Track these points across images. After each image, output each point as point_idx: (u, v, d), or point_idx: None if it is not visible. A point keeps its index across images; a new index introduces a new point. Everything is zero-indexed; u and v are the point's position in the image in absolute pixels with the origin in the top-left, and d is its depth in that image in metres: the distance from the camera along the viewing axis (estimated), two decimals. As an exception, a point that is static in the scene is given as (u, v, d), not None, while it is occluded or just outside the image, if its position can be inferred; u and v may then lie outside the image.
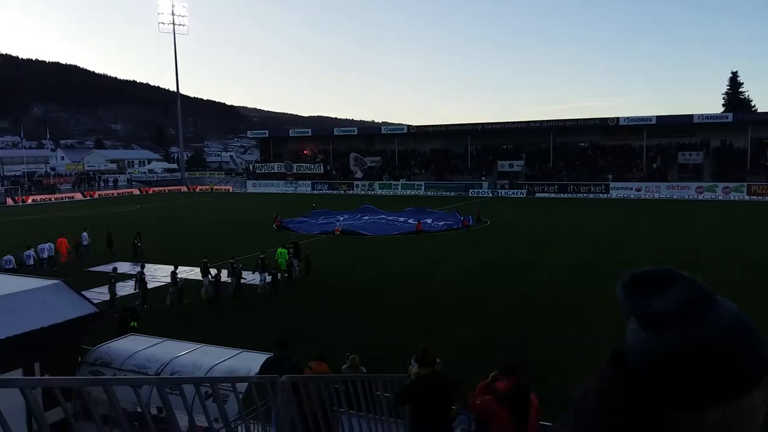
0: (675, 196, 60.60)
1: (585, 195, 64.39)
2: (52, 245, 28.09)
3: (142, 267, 21.83)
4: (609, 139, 72.47)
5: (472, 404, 4.86)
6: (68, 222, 43.20)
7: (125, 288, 21.85)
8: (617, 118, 69.33)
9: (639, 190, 63.16)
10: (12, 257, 25.14)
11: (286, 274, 23.80)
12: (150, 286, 21.62)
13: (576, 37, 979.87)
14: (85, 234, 30.18)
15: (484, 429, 4.89)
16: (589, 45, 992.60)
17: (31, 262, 26.22)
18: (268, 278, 22.47)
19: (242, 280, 21.93)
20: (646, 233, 34.93)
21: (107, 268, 25.52)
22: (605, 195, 63.76)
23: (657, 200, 59.10)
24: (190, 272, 23.81)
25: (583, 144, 74.56)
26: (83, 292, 20.35)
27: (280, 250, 24.29)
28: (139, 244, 29.75)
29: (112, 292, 19.74)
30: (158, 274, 25.16)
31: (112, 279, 20.33)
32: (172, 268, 21.74)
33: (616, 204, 55.58)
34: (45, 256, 27.31)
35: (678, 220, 41.47)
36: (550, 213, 48.03)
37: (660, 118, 67.61)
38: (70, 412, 3.03)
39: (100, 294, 20.93)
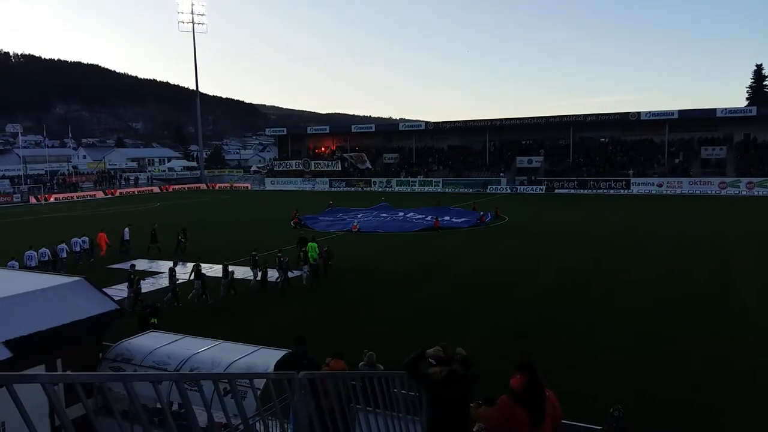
0: (697, 192, 59.77)
1: (605, 191, 63.77)
2: (87, 239, 29.11)
3: (198, 260, 22.05)
4: (630, 134, 71.71)
5: (487, 415, 4.80)
6: (92, 220, 43.83)
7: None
8: (638, 113, 68.54)
9: (660, 185, 62.40)
10: (47, 250, 26.35)
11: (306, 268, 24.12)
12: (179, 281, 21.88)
13: (595, 31, 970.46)
14: (126, 229, 30.92)
15: None
16: (609, 38, 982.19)
17: (64, 255, 27.19)
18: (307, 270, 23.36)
19: (289, 274, 22.65)
20: (666, 230, 34.49)
21: (129, 264, 25.79)
22: (626, 191, 63.09)
23: (679, 196, 58.35)
24: (211, 268, 24.01)
25: (603, 139, 73.82)
26: (117, 286, 21.05)
27: (310, 244, 24.79)
28: (182, 239, 30.04)
29: (173, 285, 20.53)
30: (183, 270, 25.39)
31: (172, 272, 20.98)
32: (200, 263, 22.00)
33: (637, 200, 55.00)
34: (78, 249, 28.32)
35: (700, 216, 40.93)
36: (569, 209, 47.67)
37: (682, 113, 66.70)
38: (90, 408, 3.08)
39: (120, 291, 21.19)
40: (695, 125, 67.48)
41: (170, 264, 22.37)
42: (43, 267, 25.33)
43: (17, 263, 23.77)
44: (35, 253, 25.50)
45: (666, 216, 41.39)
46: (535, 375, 4.60)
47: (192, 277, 21.17)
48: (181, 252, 28.82)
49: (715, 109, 65.27)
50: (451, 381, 4.82)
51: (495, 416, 4.68)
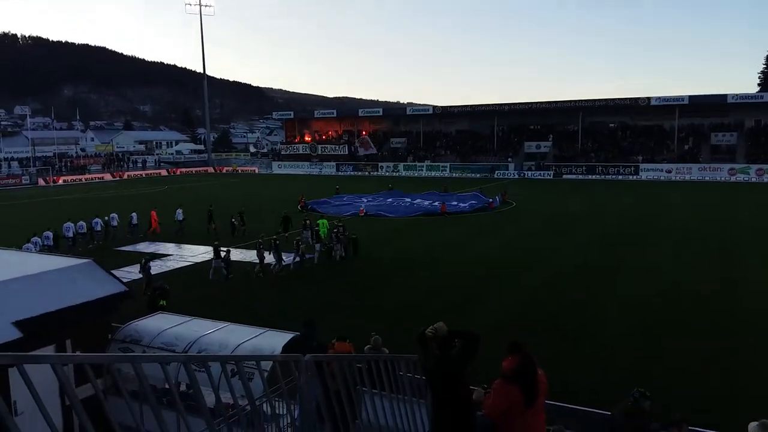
0: (707, 178, 59.34)
1: (614, 177, 63.41)
2: (135, 215, 31.16)
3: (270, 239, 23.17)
4: (640, 119, 71.12)
5: (485, 405, 4.84)
6: (105, 202, 44.02)
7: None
8: (648, 98, 67.92)
9: (670, 171, 61.97)
10: (84, 223, 28.60)
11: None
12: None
13: (605, 14, 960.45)
14: (179, 210, 31.52)
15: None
16: (620, 22, 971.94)
17: (99, 228, 29.31)
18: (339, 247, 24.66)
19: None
20: (674, 217, 34.31)
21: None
22: (635, 177, 62.71)
23: (688, 182, 57.97)
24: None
25: (612, 124, 73.26)
26: (126, 268, 21.33)
27: (320, 221, 26.57)
28: (234, 221, 30.33)
29: (279, 257, 22.15)
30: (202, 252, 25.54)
31: (260, 244, 22.40)
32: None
33: (646, 186, 54.67)
34: (114, 224, 30.31)
35: (709, 203, 40.68)
36: (576, 195, 47.49)
37: (693, 98, 66.07)
38: (99, 388, 3.11)
39: (128, 272, 21.34)
40: (706, 111, 66.82)
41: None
42: (80, 238, 27.88)
43: (51, 234, 25.96)
44: (72, 225, 27.80)
45: (675, 203, 41.16)
46: (526, 354, 4.66)
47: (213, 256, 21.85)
48: (237, 235, 29.14)
49: (726, 95, 64.61)
50: (438, 361, 4.84)
51: (491, 401, 4.74)
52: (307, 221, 27.56)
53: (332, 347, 8.93)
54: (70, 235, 27.39)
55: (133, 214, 31.11)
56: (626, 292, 18.83)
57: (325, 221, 26.89)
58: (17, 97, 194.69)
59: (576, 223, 32.49)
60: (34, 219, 34.06)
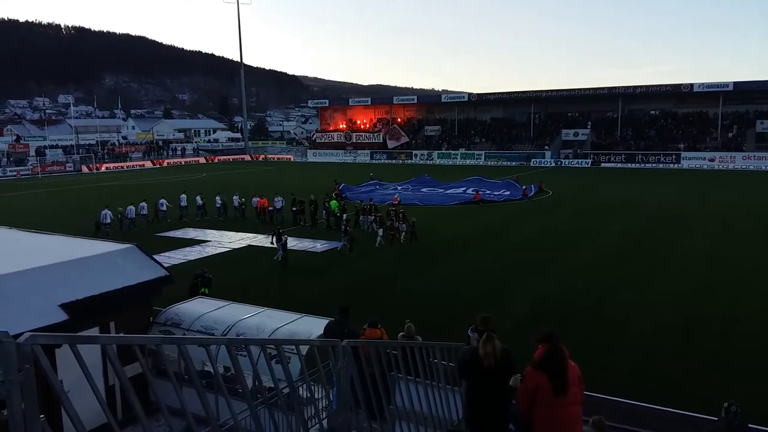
0: (751, 167, 57.53)
1: (654, 165, 61.96)
2: (241, 198, 33.35)
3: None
4: (682, 106, 69.27)
5: (519, 403, 4.86)
6: (144, 188, 44.99)
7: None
8: (691, 84, 66.02)
9: (712, 160, 60.26)
10: (165, 201, 32.27)
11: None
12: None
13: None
14: (277, 198, 32.13)
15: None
16: (661, 5, 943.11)
17: (164, 208, 32.09)
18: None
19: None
20: (715, 207, 33.39)
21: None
22: (676, 165, 61.18)
23: (731, 171, 56.31)
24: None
25: (653, 111, 71.47)
26: (167, 253, 21.80)
27: (332, 202, 29.69)
28: (294, 208, 31.04)
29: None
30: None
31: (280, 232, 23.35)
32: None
33: (687, 175, 53.29)
34: (184, 204, 32.97)
35: (752, 193, 39.45)
36: (615, 184, 46.62)
37: (738, 84, 63.93)
38: (147, 368, 3.24)
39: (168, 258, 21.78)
40: (751, 97, 64.71)
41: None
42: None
43: (134, 208, 30.22)
44: (133, 207, 30.70)
45: (716, 192, 40.04)
46: (556, 344, 4.67)
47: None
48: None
49: (773, 81, 62.39)
50: (475, 355, 4.87)
51: (521, 388, 4.79)
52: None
53: (363, 333, 9.04)
54: (131, 216, 30.63)
55: (255, 199, 32.70)
56: (665, 280, 18.45)
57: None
58: (61, 86, 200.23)
59: (614, 212, 31.91)
60: (102, 200, 35.66)
